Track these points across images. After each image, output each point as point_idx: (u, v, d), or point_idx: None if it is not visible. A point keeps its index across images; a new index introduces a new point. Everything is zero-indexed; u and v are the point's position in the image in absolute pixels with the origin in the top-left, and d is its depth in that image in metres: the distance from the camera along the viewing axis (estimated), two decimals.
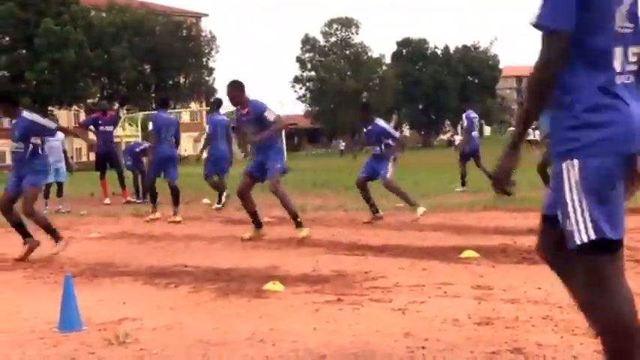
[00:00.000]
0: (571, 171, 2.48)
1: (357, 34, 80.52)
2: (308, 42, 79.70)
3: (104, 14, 61.56)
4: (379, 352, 3.73)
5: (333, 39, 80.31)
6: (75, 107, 59.25)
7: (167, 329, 4.35)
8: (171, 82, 65.76)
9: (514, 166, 2.60)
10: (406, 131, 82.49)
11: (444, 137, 73.57)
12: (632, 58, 2.56)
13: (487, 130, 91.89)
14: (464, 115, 15.60)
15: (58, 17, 51.47)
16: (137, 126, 34.71)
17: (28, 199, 7.58)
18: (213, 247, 8.06)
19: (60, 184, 13.50)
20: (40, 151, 7.75)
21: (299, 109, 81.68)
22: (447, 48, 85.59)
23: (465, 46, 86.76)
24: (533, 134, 33.80)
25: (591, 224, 2.47)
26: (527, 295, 4.93)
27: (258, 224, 8.55)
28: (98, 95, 58.52)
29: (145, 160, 14.15)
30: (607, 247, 2.49)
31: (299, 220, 8.27)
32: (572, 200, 2.49)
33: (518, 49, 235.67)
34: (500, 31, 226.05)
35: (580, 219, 2.48)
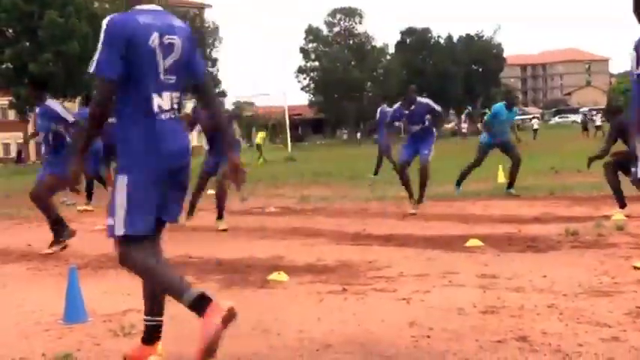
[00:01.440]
0: (121, 181, 3.30)
1: (361, 23, 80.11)
2: (311, 32, 79.39)
3: (107, 5, 61.48)
4: (384, 341, 3.72)
5: (336, 29, 79.98)
6: (79, 99, 59.32)
7: (171, 320, 4.35)
8: None
9: (80, 172, 3.49)
10: None
11: (448, 126, 73.20)
12: (174, 101, 3.42)
13: None
14: (379, 110, 17.28)
15: (63, 9, 51.38)
16: None
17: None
18: (217, 237, 8.06)
19: None
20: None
21: (303, 99, 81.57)
22: (450, 37, 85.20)
23: (468, 35, 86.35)
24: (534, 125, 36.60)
25: (124, 223, 3.28)
26: (532, 283, 4.93)
27: None
28: None
29: None
30: (137, 239, 3.31)
31: None
32: (116, 202, 3.30)
33: (522, 38, 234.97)
34: (503, 19, 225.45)
35: (119, 217, 3.29)
